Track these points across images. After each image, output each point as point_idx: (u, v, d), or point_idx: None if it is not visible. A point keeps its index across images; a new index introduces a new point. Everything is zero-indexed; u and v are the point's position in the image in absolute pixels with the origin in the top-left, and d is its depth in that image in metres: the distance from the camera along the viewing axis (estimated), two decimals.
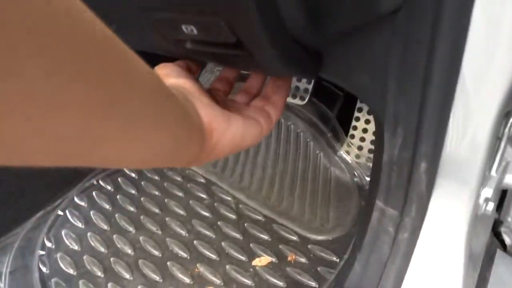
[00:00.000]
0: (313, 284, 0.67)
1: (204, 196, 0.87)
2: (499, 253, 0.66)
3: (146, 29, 0.38)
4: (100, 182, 0.89)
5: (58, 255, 0.73)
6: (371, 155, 0.86)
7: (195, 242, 0.75)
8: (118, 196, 0.86)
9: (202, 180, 0.91)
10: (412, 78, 0.39)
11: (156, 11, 0.33)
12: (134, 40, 0.27)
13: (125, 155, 0.23)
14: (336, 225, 0.78)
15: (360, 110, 0.86)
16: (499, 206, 0.72)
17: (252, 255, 0.73)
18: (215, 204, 0.84)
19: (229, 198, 0.86)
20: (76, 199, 0.85)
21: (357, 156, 0.88)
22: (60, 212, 0.82)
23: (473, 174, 0.43)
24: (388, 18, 0.37)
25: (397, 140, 0.42)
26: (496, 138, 0.44)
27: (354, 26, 0.37)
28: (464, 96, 0.39)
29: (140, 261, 0.72)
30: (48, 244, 0.76)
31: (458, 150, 0.42)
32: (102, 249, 0.74)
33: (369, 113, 0.86)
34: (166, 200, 0.85)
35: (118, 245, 0.75)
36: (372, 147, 0.87)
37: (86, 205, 0.84)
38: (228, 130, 0.33)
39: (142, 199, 0.85)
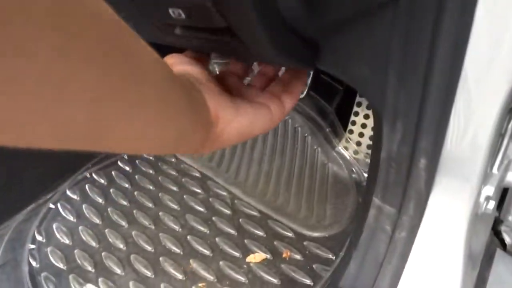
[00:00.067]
0: (308, 281, 0.65)
1: (199, 190, 0.85)
2: (499, 252, 0.65)
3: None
4: (93, 175, 0.87)
5: (49, 249, 0.72)
6: (370, 151, 0.84)
7: (188, 237, 0.74)
8: (111, 190, 0.84)
9: (197, 175, 0.90)
10: (413, 71, 0.37)
11: None
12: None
13: (132, 140, 0.23)
14: (333, 222, 0.76)
15: (359, 104, 0.84)
16: (500, 205, 0.70)
17: (246, 252, 0.71)
18: (210, 199, 0.83)
19: (224, 193, 0.85)
20: (68, 192, 0.83)
21: (356, 152, 0.86)
22: (51, 205, 0.80)
23: (474, 172, 0.41)
24: (389, 6, 0.35)
25: (396, 135, 0.40)
26: (498, 135, 0.42)
27: (352, 14, 0.35)
28: (466, 90, 0.37)
29: (132, 256, 0.71)
30: (39, 237, 0.74)
31: (459, 147, 0.40)
32: (94, 244, 0.73)
33: (368, 108, 0.84)
34: (160, 194, 0.84)
35: (110, 240, 0.74)
36: (371, 143, 0.85)
37: (78, 199, 0.82)
38: (236, 119, 0.33)
39: (135, 193, 0.84)
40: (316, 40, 0.39)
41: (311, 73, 0.85)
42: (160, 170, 0.91)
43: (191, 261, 0.70)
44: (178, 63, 0.36)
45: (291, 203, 0.81)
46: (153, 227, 0.76)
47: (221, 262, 0.69)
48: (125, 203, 0.81)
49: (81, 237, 0.74)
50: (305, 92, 0.87)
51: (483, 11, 0.32)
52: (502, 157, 0.46)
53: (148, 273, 0.68)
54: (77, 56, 0.16)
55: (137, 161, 0.92)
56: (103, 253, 0.71)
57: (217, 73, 0.43)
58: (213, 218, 0.78)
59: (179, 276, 0.67)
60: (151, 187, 0.86)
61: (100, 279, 0.67)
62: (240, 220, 0.78)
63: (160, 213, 0.79)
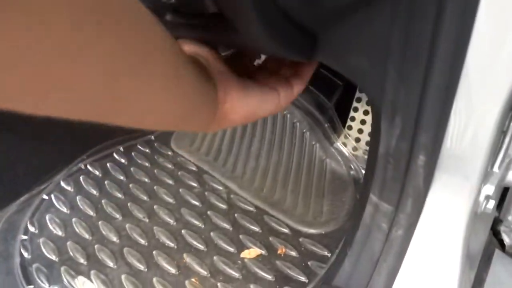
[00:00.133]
0: (302, 278, 0.64)
1: (195, 184, 0.84)
2: (498, 253, 0.64)
3: None
4: (88, 166, 0.86)
5: (41, 240, 0.71)
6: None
7: (183, 231, 0.73)
8: (106, 182, 0.83)
9: (194, 168, 0.89)
10: (414, 64, 0.36)
11: None
12: None
13: (143, 114, 0.24)
14: (330, 219, 0.75)
15: (359, 100, 0.83)
16: (500, 204, 0.69)
17: (241, 247, 0.70)
18: (206, 193, 0.82)
19: (220, 188, 0.84)
20: (62, 183, 0.82)
21: (354, 149, 0.85)
22: (45, 196, 0.79)
23: (474, 170, 0.40)
24: None
25: (395, 131, 0.39)
26: (500, 133, 0.41)
27: (350, 3, 0.34)
28: (468, 86, 0.36)
29: (125, 249, 0.70)
30: (31, 228, 0.73)
31: (459, 143, 0.39)
32: (87, 236, 0.72)
33: (368, 104, 0.83)
34: (155, 187, 0.83)
35: (104, 232, 0.73)
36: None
37: (72, 190, 0.81)
38: (243, 99, 0.33)
39: (130, 185, 0.83)
40: (314, 31, 0.38)
41: None
42: (156, 163, 0.90)
43: (184, 255, 0.69)
44: (187, 43, 0.36)
45: (287, 199, 0.80)
46: (147, 220, 0.75)
47: (215, 257, 0.68)
48: (119, 195, 0.80)
49: (74, 229, 0.73)
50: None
51: (485, 6, 0.31)
52: (503, 156, 0.45)
53: (141, 267, 0.67)
54: (91, 28, 0.17)
55: (133, 153, 0.91)
56: (96, 246, 0.70)
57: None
58: (209, 212, 0.77)
59: (172, 270, 0.66)
60: (146, 180, 0.85)
61: (92, 272, 0.66)
62: (236, 215, 0.77)
63: (155, 206, 0.78)
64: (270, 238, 0.72)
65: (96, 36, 0.17)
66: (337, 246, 0.68)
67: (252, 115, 0.34)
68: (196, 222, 0.75)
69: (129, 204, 0.78)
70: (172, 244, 0.71)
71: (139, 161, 0.90)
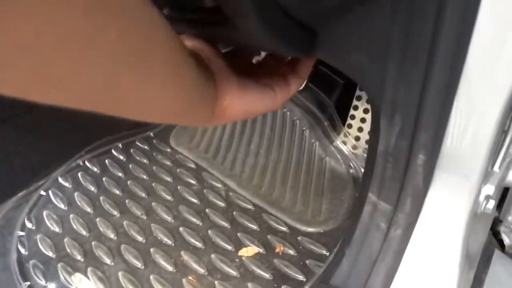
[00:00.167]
0: (300, 277, 0.64)
1: (193, 182, 0.84)
2: (497, 253, 0.63)
3: None
4: (87, 163, 0.86)
5: (38, 236, 0.71)
6: None
7: (180, 229, 0.73)
8: (104, 179, 0.83)
9: (193, 166, 0.88)
10: (414, 61, 0.35)
11: None
12: None
13: (142, 108, 0.24)
14: (328, 218, 0.75)
15: (359, 98, 0.82)
16: (500, 204, 0.68)
17: (239, 245, 0.70)
18: (204, 190, 0.81)
19: (219, 185, 0.83)
20: (60, 180, 0.82)
21: (354, 147, 0.84)
22: (43, 192, 0.79)
23: (475, 169, 0.40)
24: None
25: (394, 129, 0.39)
26: (501, 132, 0.40)
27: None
28: (469, 84, 0.35)
29: (122, 246, 0.69)
30: (29, 224, 0.73)
31: (460, 142, 0.38)
32: (84, 232, 0.72)
33: (368, 102, 0.82)
34: (153, 184, 0.82)
35: (101, 229, 0.72)
36: None
37: (70, 186, 0.81)
38: (241, 96, 0.33)
39: (129, 182, 0.82)
40: (313, 27, 0.37)
41: None
42: (154, 160, 0.89)
43: (182, 253, 0.68)
44: (188, 39, 0.36)
45: (286, 197, 0.79)
46: (145, 217, 0.75)
47: (212, 255, 0.68)
48: (117, 192, 0.80)
49: (72, 225, 0.73)
50: (303, 84, 0.85)
51: (487, 5, 0.31)
52: (504, 155, 0.44)
53: (138, 264, 0.66)
54: (100, 16, 0.17)
55: (131, 150, 0.91)
56: (93, 242, 0.70)
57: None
58: (207, 210, 0.77)
59: (170, 268, 0.66)
60: (144, 177, 0.84)
61: (89, 269, 0.66)
62: (234, 213, 0.76)
63: (153, 204, 0.78)
64: (268, 236, 0.71)
65: (102, 29, 0.18)
66: (336, 245, 0.68)
67: (250, 112, 0.35)
68: (194, 220, 0.74)
69: (127, 201, 0.78)
70: (169, 242, 0.70)
71: (138, 158, 0.89)
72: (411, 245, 0.42)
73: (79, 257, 0.67)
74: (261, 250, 0.68)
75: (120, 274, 0.65)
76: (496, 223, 0.69)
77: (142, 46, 0.21)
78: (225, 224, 0.74)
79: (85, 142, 0.89)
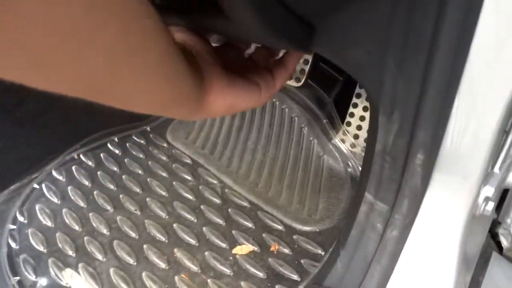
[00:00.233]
0: (294, 277, 0.63)
1: (189, 178, 0.82)
2: (495, 255, 0.62)
3: None
4: (81, 156, 0.85)
5: (30, 230, 0.70)
6: None
7: (174, 225, 0.72)
8: (98, 173, 0.82)
9: (189, 161, 0.87)
10: (414, 57, 0.34)
11: None
12: None
13: (128, 97, 0.25)
14: (325, 217, 0.74)
15: (358, 96, 0.81)
16: (498, 206, 0.67)
17: (233, 243, 0.69)
18: (200, 187, 0.80)
19: (215, 182, 0.82)
20: (54, 173, 0.80)
21: (353, 145, 0.83)
22: (36, 186, 0.78)
23: (474, 170, 0.39)
24: None
25: (393, 127, 0.38)
26: (502, 132, 0.39)
27: None
28: (471, 82, 0.34)
29: (115, 242, 0.68)
30: (20, 218, 0.72)
31: (460, 142, 0.37)
32: (77, 227, 0.70)
33: (367, 99, 0.81)
34: (148, 179, 0.81)
35: (94, 224, 0.71)
36: None
37: (64, 180, 0.79)
38: (226, 91, 0.33)
39: (123, 177, 0.81)
40: (311, 20, 0.36)
41: (310, 61, 0.82)
42: (150, 154, 0.88)
43: (175, 250, 0.67)
44: (179, 31, 0.37)
45: (283, 195, 0.78)
46: (139, 213, 0.74)
47: (206, 253, 0.67)
48: (112, 187, 0.79)
49: (64, 219, 0.72)
50: (303, 80, 0.83)
51: (492, 2, 0.30)
52: (505, 156, 0.43)
53: (130, 260, 0.65)
54: (101, 14, 0.18)
55: (127, 144, 0.90)
56: (85, 238, 0.69)
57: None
58: (202, 206, 0.76)
59: (162, 265, 0.65)
60: (140, 172, 0.83)
61: (80, 264, 0.65)
62: (230, 210, 0.75)
63: (147, 199, 0.77)
64: (263, 235, 0.70)
65: (102, 28, 0.19)
66: (331, 245, 0.67)
67: (234, 107, 0.35)
68: (189, 216, 0.73)
69: (121, 196, 0.77)
70: (163, 238, 0.69)
71: (134, 152, 0.88)
72: (407, 246, 0.41)
73: (70, 253, 0.66)
74: (255, 249, 0.67)
75: (111, 270, 0.64)
76: (494, 224, 0.68)
77: (138, 43, 0.21)
78: (220, 221, 0.73)
79: (80, 136, 0.88)
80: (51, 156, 0.83)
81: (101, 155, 0.86)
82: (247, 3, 0.28)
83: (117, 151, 0.88)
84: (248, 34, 0.34)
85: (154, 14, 0.22)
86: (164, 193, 0.78)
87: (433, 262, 0.42)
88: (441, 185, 0.39)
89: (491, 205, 0.42)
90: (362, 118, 0.82)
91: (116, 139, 0.91)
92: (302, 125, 0.87)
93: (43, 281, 0.63)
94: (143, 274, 0.64)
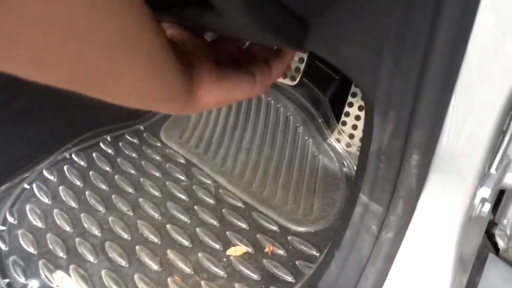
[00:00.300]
0: (289, 278, 0.62)
1: (182, 177, 0.81)
2: (491, 256, 0.62)
3: None
4: (73, 156, 0.83)
5: (20, 231, 0.68)
6: None
7: (167, 226, 0.70)
8: (90, 173, 0.80)
9: (182, 161, 0.86)
10: (411, 54, 0.33)
11: None
12: None
13: (125, 94, 0.26)
14: (320, 217, 0.73)
15: (354, 95, 0.80)
16: (495, 206, 0.67)
17: (227, 244, 0.68)
18: (194, 187, 0.79)
19: (209, 182, 0.81)
20: (45, 173, 0.79)
21: (348, 145, 0.82)
22: (26, 186, 0.76)
23: (471, 171, 0.38)
24: None
25: (388, 126, 0.37)
26: (499, 132, 0.38)
27: None
28: (468, 80, 0.33)
29: (106, 244, 0.67)
30: (10, 219, 0.70)
31: (456, 142, 0.36)
32: (68, 228, 0.69)
33: (363, 98, 0.80)
34: (141, 179, 0.80)
35: (85, 225, 0.70)
36: None
37: (55, 180, 0.78)
38: (216, 85, 0.34)
39: (116, 177, 0.80)
40: (305, 16, 0.35)
41: (305, 59, 0.81)
42: (143, 154, 0.87)
43: (168, 251, 0.66)
44: (170, 27, 0.37)
45: (277, 195, 0.77)
46: (131, 213, 0.73)
47: (199, 254, 0.66)
48: (104, 187, 0.78)
49: (55, 220, 0.71)
50: (298, 79, 0.82)
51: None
52: (502, 157, 0.42)
53: (122, 262, 0.64)
54: (99, 15, 0.19)
55: (120, 144, 0.88)
56: (76, 239, 0.68)
57: None
58: (195, 207, 0.74)
59: (155, 267, 0.64)
60: (132, 172, 0.82)
61: (71, 266, 0.63)
62: (223, 210, 0.74)
63: (140, 200, 0.75)
64: (258, 236, 0.69)
65: (102, 21, 0.19)
66: (326, 246, 0.66)
67: (226, 100, 0.35)
68: (182, 217, 0.72)
69: (113, 196, 0.76)
70: (156, 239, 0.68)
71: (126, 152, 0.87)
72: (402, 249, 0.40)
73: (61, 254, 0.65)
74: (249, 250, 0.67)
75: (103, 272, 0.63)
76: (491, 225, 0.68)
77: (131, 40, 0.22)
78: (213, 222, 0.72)
79: (73, 134, 0.87)
80: (42, 156, 0.82)
81: (93, 154, 0.85)
82: (242, 2, 0.27)
83: (109, 151, 0.87)
84: (239, 31, 0.33)
85: (147, 12, 0.22)
86: (157, 194, 0.77)
87: (429, 264, 0.42)
88: (437, 186, 0.38)
89: (487, 206, 0.41)
90: (357, 118, 0.81)
91: (108, 138, 0.89)
92: (297, 124, 0.86)
93: (33, 283, 0.61)
94: (135, 276, 0.62)
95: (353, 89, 0.80)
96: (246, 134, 0.90)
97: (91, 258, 0.65)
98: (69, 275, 0.62)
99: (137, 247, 0.67)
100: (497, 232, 0.65)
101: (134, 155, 0.86)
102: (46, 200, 0.74)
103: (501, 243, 0.64)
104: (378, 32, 0.33)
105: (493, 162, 0.42)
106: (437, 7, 0.30)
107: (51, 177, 0.78)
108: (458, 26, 0.31)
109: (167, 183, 0.80)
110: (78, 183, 0.78)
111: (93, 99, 0.25)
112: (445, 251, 0.41)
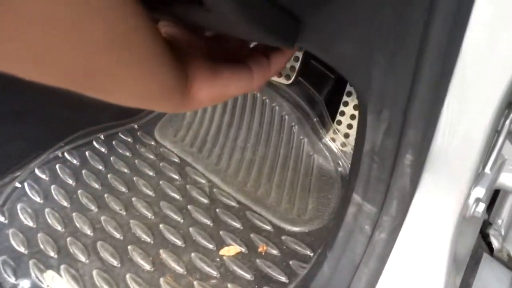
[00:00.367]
0: (283, 279, 0.62)
1: (176, 177, 0.81)
2: (486, 256, 0.62)
3: None
4: (66, 154, 0.83)
5: (10, 231, 0.67)
6: None
7: (160, 226, 0.70)
8: (83, 171, 0.79)
9: (176, 160, 0.85)
10: (404, 51, 0.32)
11: None
12: None
13: (119, 92, 0.26)
14: (314, 217, 0.72)
15: (349, 94, 0.79)
16: (489, 206, 0.67)
17: (220, 244, 0.67)
18: (187, 186, 0.79)
19: (203, 181, 0.80)
20: (37, 171, 0.78)
21: (343, 144, 0.82)
22: (18, 184, 0.75)
23: (465, 171, 0.37)
24: None
25: (382, 125, 0.36)
26: (494, 132, 0.38)
27: None
28: (463, 79, 0.33)
29: (98, 243, 0.66)
30: (1, 218, 0.69)
31: (450, 142, 0.36)
32: (59, 228, 0.68)
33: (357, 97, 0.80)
34: (135, 178, 0.79)
35: (77, 224, 0.69)
36: None
37: (47, 179, 0.77)
38: (209, 83, 0.33)
39: (109, 176, 0.79)
40: (298, 13, 0.34)
41: (300, 58, 0.80)
42: (137, 153, 0.86)
43: (161, 251, 0.66)
44: (165, 25, 0.36)
45: (272, 194, 0.77)
46: (124, 213, 0.72)
47: (192, 254, 0.65)
48: (96, 186, 0.77)
49: (47, 220, 0.70)
50: (293, 78, 0.82)
51: None
52: (496, 156, 0.42)
53: (114, 262, 0.64)
54: (98, 14, 0.19)
55: (113, 142, 0.88)
56: (68, 238, 0.67)
57: None
58: (189, 206, 0.74)
59: (147, 267, 0.63)
60: (126, 171, 0.81)
61: (62, 266, 0.63)
62: (217, 210, 0.74)
63: (133, 199, 0.75)
64: (251, 235, 0.69)
65: (102, 20, 0.19)
66: (320, 246, 0.66)
67: (221, 96, 0.34)
68: (175, 217, 0.72)
69: (106, 195, 0.75)
70: (148, 239, 0.67)
71: (120, 151, 0.86)
72: (396, 249, 0.39)
73: (52, 254, 0.64)
74: (243, 250, 0.66)
75: (94, 272, 0.62)
76: (485, 225, 0.67)
77: (126, 40, 0.22)
78: (207, 221, 0.71)
79: (65, 133, 0.86)
80: (34, 154, 0.81)
81: (86, 153, 0.84)
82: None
83: (103, 149, 0.86)
84: (229, 28, 0.33)
85: (142, 11, 0.22)
86: (150, 193, 0.76)
87: (422, 264, 0.41)
88: (431, 186, 0.38)
89: (482, 206, 0.41)
90: (352, 117, 0.80)
91: (102, 137, 0.88)
92: (292, 124, 0.86)
93: (23, 283, 0.61)
94: (127, 276, 0.62)
95: (348, 88, 0.80)
96: (241, 132, 0.89)
97: (82, 258, 0.64)
98: (60, 275, 0.62)
99: (129, 247, 0.66)
100: (491, 232, 0.65)
101: (127, 153, 0.85)
102: (37, 199, 0.73)
103: (495, 243, 0.64)
104: (370, 27, 0.32)
105: (487, 162, 0.42)
106: (431, 2, 0.30)
107: (43, 176, 0.78)
108: (452, 22, 0.30)
109: (160, 182, 0.79)
110: (70, 182, 0.77)
111: (86, 97, 0.25)
112: (439, 251, 0.41)
